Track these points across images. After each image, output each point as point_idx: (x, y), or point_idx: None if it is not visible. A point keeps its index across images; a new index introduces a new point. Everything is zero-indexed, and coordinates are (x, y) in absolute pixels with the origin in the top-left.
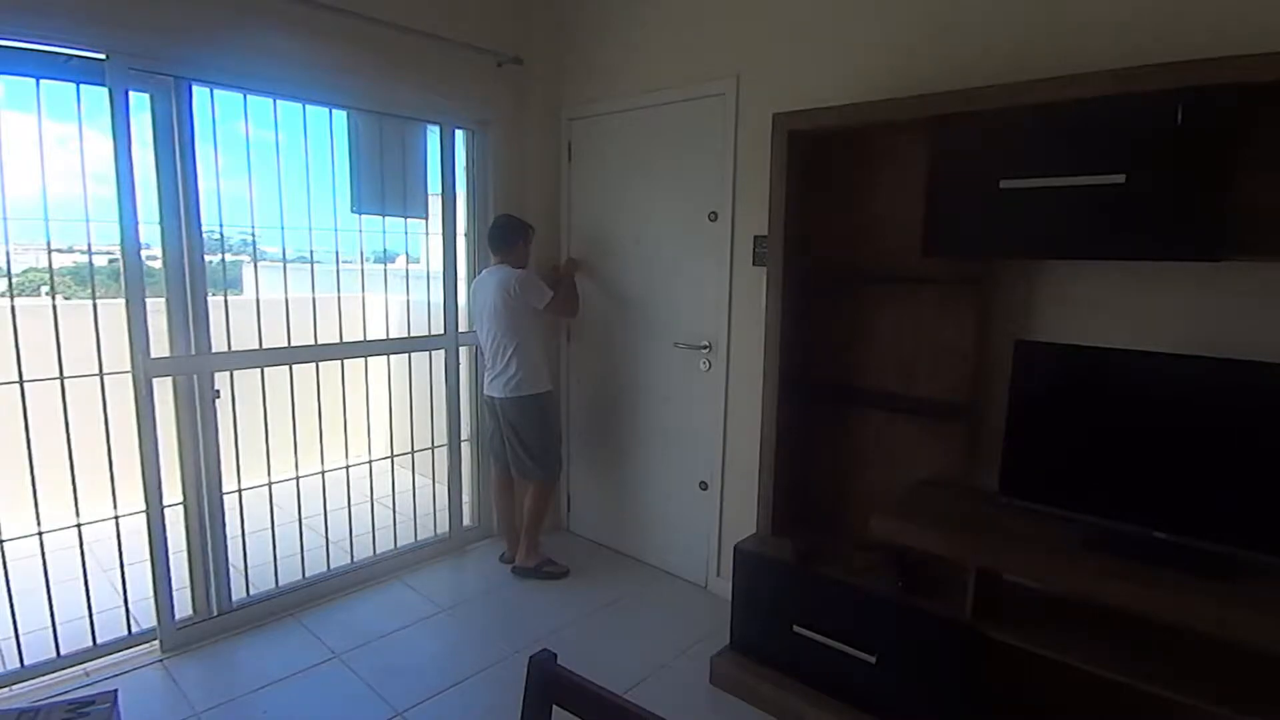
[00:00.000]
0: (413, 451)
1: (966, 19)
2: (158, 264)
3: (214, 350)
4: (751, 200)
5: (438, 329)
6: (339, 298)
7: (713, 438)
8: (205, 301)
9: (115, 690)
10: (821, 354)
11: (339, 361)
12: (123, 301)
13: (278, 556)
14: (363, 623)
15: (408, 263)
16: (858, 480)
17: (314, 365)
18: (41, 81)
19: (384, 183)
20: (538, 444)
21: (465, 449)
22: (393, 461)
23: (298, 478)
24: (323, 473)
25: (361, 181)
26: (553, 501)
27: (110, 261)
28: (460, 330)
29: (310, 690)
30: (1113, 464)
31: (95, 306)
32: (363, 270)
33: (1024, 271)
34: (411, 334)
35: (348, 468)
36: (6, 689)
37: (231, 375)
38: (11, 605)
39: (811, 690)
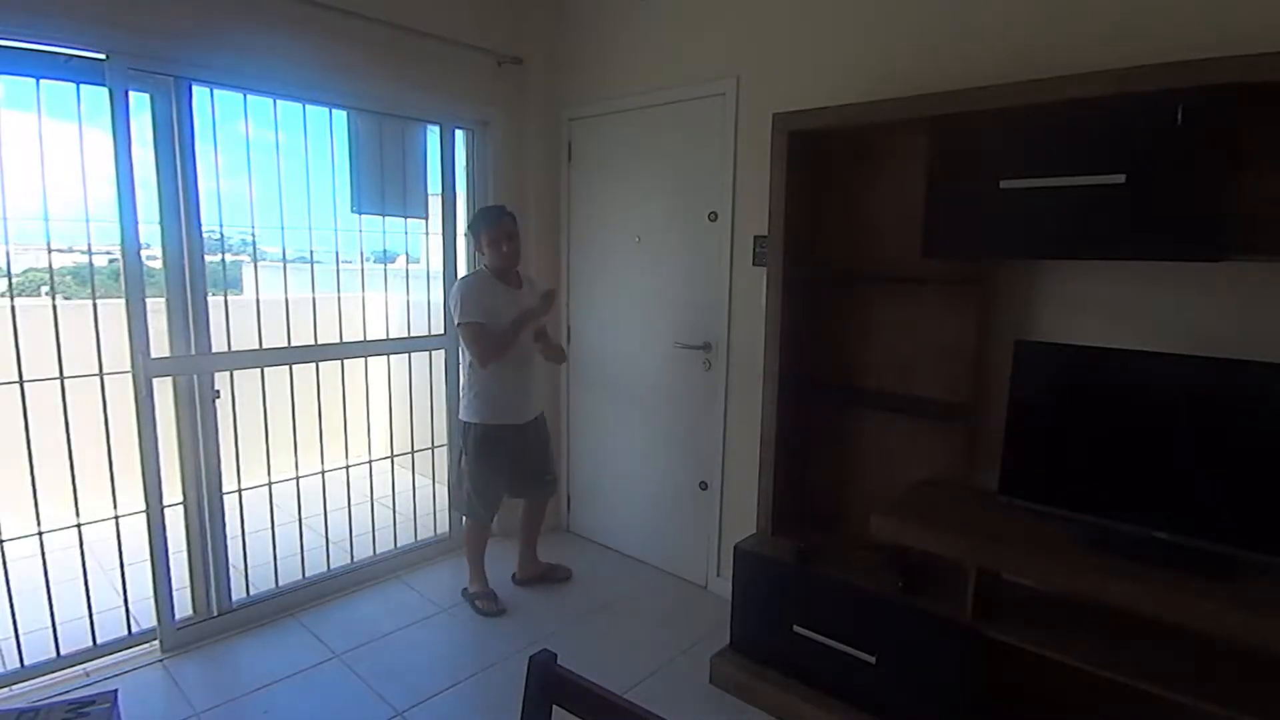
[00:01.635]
0: (413, 451)
1: (966, 19)
2: (158, 264)
3: (214, 350)
4: (751, 200)
5: (438, 329)
6: (339, 298)
7: (713, 438)
8: (205, 301)
9: (115, 690)
10: (821, 354)
11: (339, 361)
12: (123, 301)
13: (278, 556)
14: (363, 623)
15: (408, 263)
16: (858, 480)
17: (314, 365)
18: (41, 81)
19: (384, 183)
20: (456, 472)
21: None
22: (392, 461)
23: (298, 478)
24: (323, 473)
25: (361, 181)
26: (476, 544)
27: (110, 261)
28: None
29: (310, 690)
30: (1113, 464)
31: (95, 306)
32: (363, 270)
33: (1024, 271)
34: (411, 334)
35: (347, 468)
36: (6, 689)
37: (231, 375)
38: (11, 605)
39: (811, 690)
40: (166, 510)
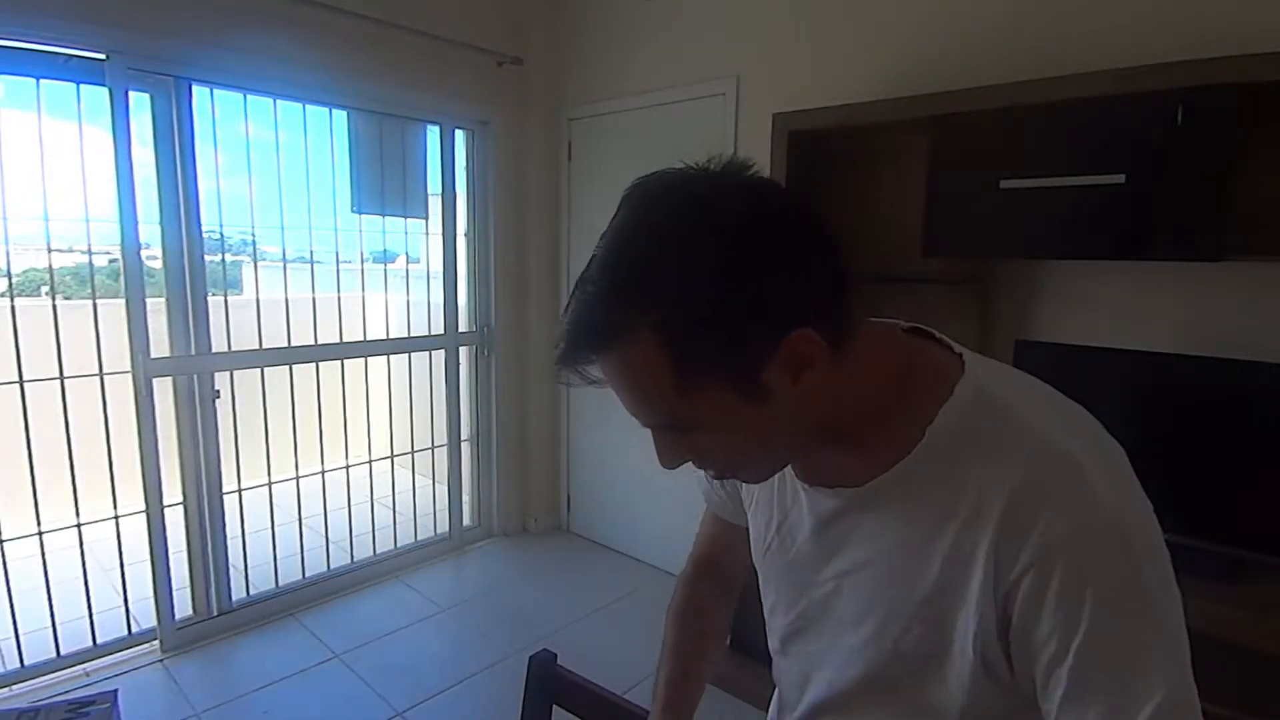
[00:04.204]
0: (413, 451)
1: (966, 19)
2: (158, 264)
3: (214, 350)
4: None
5: (438, 329)
6: (339, 298)
7: None
8: (205, 301)
9: (115, 690)
10: None
11: (339, 362)
12: (123, 301)
13: (278, 556)
14: (363, 623)
15: (408, 263)
16: None
17: (314, 365)
18: (41, 81)
19: (384, 183)
20: None
21: (465, 449)
22: (393, 461)
23: (298, 478)
24: (323, 473)
25: (361, 181)
26: None
27: (110, 261)
28: (460, 330)
29: (310, 690)
30: None
31: (95, 306)
32: (363, 270)
33: (1024, 271)
34: (411, 334)
35: (348, 468)
36: (6, 689)
37: (231, 375)
38: (11, 605)
39: None
40: (166, 510)
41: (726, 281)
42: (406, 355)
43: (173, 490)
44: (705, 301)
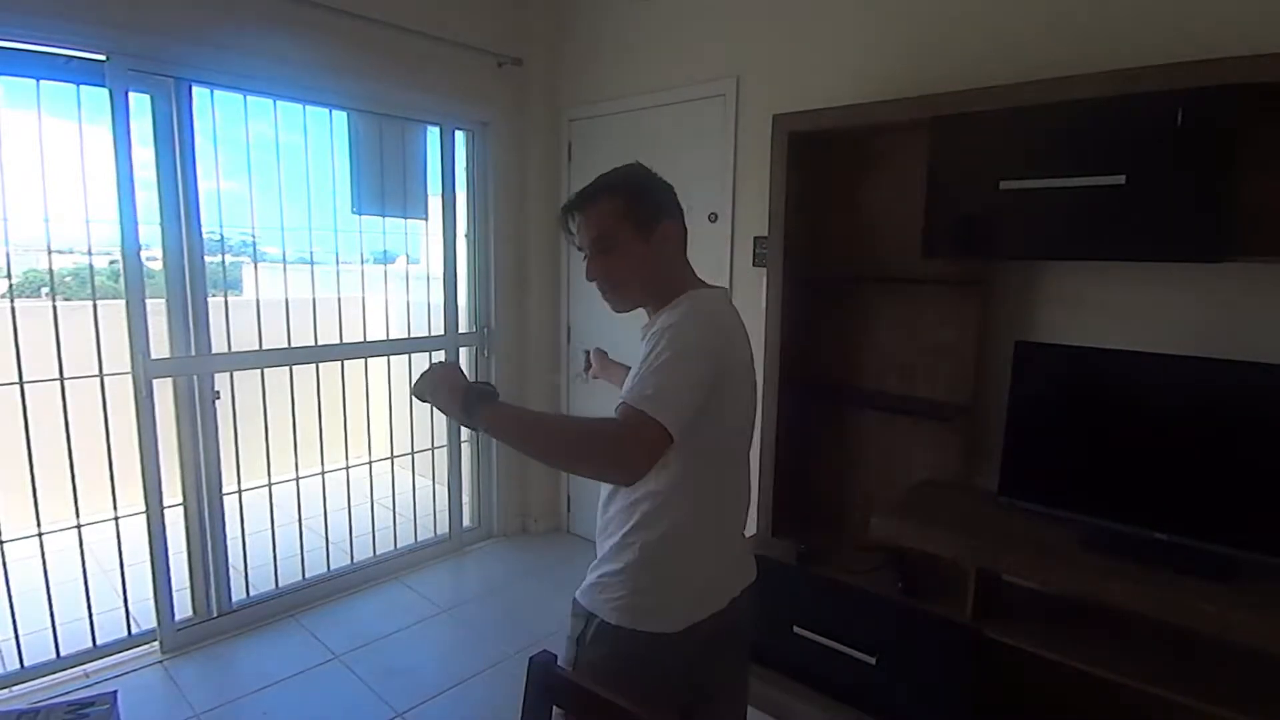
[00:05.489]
0: (413, 452)
1: (967, 19)
2: (158, 265)
3: (214, 351)
4: (751, 200)
5: (438, 330)
6: (339, 299)
7: None
8: (205, 302)
9: (115, 691)
10: (822, 354)
11: (339, 362)
12: (123, 303)
13: (278, 557)
14: (363, 623)
15: (408, 264)
16: (858, 480)
17: (314, 366)
18: (42, 82)
19: (384, 183)
20: None
21: (465, 450)
22: (393, 462)
23: (298, 479)
24: (323, 474)
25: (361, 182)
26: None
27: (110, 263)
28: (460, 331)
29: (310, 691)
30: (1113, 465)
31: (95, 308)
32: (363, 271)
33: (1024, 272)
34: (411, 335)
35: (348, 469)
36: (6, 690)
37: (231, 376)
38: (11, 606)
39: (812, 691)
40: (166, 511)
41: (650, 192)
42: (406, 356)
43: (173, 491)
44: (643, 192)
